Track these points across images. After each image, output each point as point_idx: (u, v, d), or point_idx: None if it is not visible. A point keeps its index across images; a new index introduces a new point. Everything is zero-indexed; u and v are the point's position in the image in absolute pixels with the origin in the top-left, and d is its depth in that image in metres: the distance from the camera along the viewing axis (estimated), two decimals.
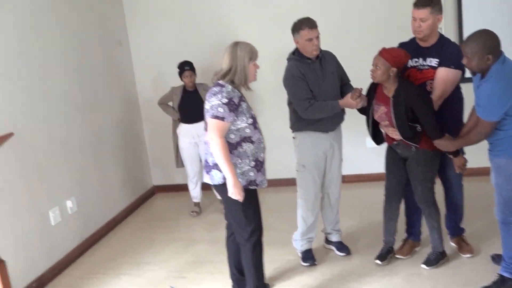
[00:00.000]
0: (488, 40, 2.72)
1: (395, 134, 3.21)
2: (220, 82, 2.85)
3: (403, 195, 3.45)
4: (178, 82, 4.81)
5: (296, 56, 3.41)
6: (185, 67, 4.65)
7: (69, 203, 4.10)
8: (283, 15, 4.99)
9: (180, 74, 4.69)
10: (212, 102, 2.78)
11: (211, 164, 2.89)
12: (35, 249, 3.66)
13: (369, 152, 5.19)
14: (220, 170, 2.83)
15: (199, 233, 4.50)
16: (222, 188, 2.87)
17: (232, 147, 2.83)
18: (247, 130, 2.85)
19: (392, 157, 3.40)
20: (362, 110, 3.40)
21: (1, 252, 3.34)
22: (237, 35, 5.14)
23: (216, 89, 2.82)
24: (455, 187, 3.50)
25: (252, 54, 2.88)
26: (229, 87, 2.81)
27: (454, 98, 3.31)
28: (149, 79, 5.54)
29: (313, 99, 3.34)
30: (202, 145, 4.65)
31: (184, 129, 4.73)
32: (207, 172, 2.94)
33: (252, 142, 2.87)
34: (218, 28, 5.24)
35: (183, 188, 5.27)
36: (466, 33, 4.70)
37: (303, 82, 3.33)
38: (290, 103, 3.50)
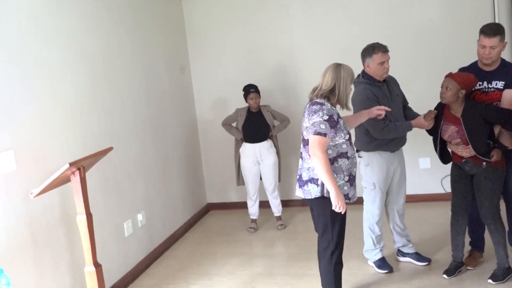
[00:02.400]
0: None
1: (466, 152, 3.35)
2: (318, 100, 2.99)
3: (469, 210, 3.55)
4: (236, 106, 5.10)
5: (367, 79, 3.58)
6: (251, 89, 4.92)
7: (139, 217, 4.32)
8: (338, 44, 5.27)
9: (245, 96, 4.95)
10: (314, 119, 2.92)
11: (305, 179, 3.03)
12: (111, 258, 3.87)
13: (422, 173, 5.33)
14: (317, 184, 2.96)
15: (259, 248, 4.64)
16: (317, 201, 3.00)
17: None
18: (344, 146, 3.00)
19: (458, 175, 3.53)
20: (429, 130, 3.58)
21: (82, 261, 3.54)
22: (296, 63, 5.43)
23: (316, 107, 2.95)
24: None
25: (353, 76, 3.07)
26: (329, 105, 2.96)
27: None
28: (206, 103, 5.84)
29: (387, 120, 3.51)
30: (264, 164, 4.89)
31: (246, 148, 4.95)
32: (300, 187, 3.08)
33: (347, 157, 3.01)
34: (277, 56, 5.50)
35: (236, 206, 5.48)
36: None
37: (377, 104, 3.49)
38: (360, 125, 3.65)
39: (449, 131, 3.42)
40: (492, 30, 3.31)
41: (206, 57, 5.76)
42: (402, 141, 3.73)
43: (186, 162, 5.52)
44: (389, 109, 3.37)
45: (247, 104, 5.02)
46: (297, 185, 3.15)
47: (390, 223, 3.91)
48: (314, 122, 2.93)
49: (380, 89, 3.58)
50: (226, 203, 5.95)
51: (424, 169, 5.33)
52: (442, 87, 3.37)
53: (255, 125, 4.91)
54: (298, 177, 3.15)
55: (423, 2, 5.17)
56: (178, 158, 5.31)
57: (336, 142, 2.99)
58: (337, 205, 2.92)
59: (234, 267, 4.21)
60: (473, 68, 3.51)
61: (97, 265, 2.89)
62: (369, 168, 3.70)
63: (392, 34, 5.23)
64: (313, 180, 3.01)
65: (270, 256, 4.39)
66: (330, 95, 3.01)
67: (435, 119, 3.49)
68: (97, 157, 3.01)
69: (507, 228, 3.63)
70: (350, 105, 3.10)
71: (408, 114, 3.76)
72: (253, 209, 5.12)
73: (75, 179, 2.82)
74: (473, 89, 3.44)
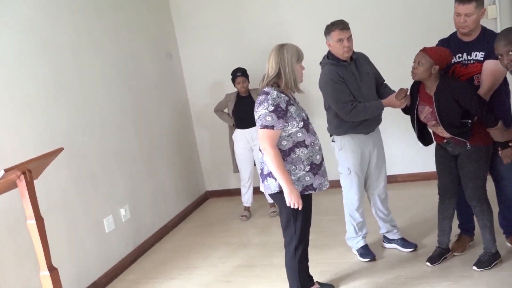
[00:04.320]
0: None
1: (445, 133, 3.11)
2: (266, 89, 2.80)
3: (456, 193, 3.32)
4: (229, 89, 4.95)
5: (331, 59, 3.38)
6: (238, 74, 4.76)
7: (122, 211, 4.28)
8: (328, 19, 4.97)
9: (233, 80, 4.81)
10: (260, 112, 2.76)
11: (265, 172, 2.88)
12: (90, 256, 3.85)
13: (422, 150, 4.99)
14: (275, 178, 2.80)
15: (248, 237, 4.54)
16: (278, 196, 2.86)
17: (285, 154, 2.80)
18: (299, 134, 2.81)
19: (442, 155, 3.29)
20: (405, 110, 3.34)
21: (57, 260, 3.53)
22: (285, 40, 5.17)
23: (261, 97, 2.78)
24: (507, 181, 3.31)
25: (299, 55, 2.83)
26: (274, 93, 2.76)
27: (502, 91, 3.19)
28: (199, 88, 5.69)
29: (355, 101, 3.30)
30: (257, 149, 4.72)
31: (238, 134, 4.83)
32: (262, 181, 2.94)
33: (305, 146, 2.83)
34: (266, 35, 5.28)
35: (236, 192, 5.36)
36: None
37: (343, 85, 3.29)
38: (329, 108, 3.47)
39: (424, 112, 3.17)
40: None
41: (195, 41, 5.59)
42: (376, 121, 3.50)
43: (179, 150, 5.43)
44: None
45: (235, 89, 4.87)
46: (260, 179, 3.00)
47: (373, 208, 3.71)
48: (260, 115, 2.76)
49: (346, 68, 3.35)
50: (226, 190, 5.84)
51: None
52: (414, 61, 3.08)
53: (245, 110, 4.68)
54: (260, 171, 3.00)
55: None
56: (168, 146, 5.22)
57: (290, 132, 2.80)
58: (291, 202, 2.75)
59: (218, 259, 4.13)
60: (452, 39, 3.24)
61: (52, 269, 2.83)
62: (342, 153, 3.50)
63: (383, 6, 4.96)
64: (271, 174, 2.84)
65: (256, 246, 4.28)
66: (279, 80, 2.81)
67: (412, 98, 3.24)
68: (46, 159, 2.94)
69: (496, 210, 3.37)
70: (300, 87, 2.88)
71: (383, 92, 3.51)
72: (246, 197, 5.00)
73: (21, 184, 2.75)
74: (452, 62, 3.16)
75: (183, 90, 5.71)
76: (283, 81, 2.79)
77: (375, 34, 5.01)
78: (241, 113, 4.76)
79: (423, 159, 5.04)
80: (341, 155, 3.52)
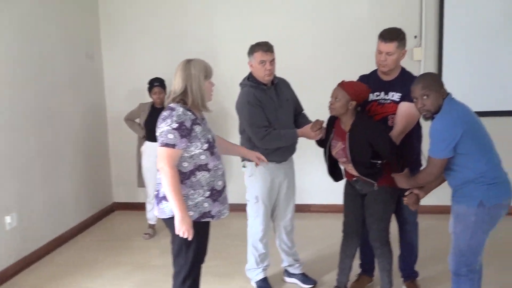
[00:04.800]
0: (437, 76, 2.73)
1: (354, 171, 3.03)
2: (171, 105, 2.59)
3: (360, 232, 3.24)
4: (149, 98, 4.68)
5: (251, 81, 3.22)
6: (155, 83, 4.52)
7: (7, 219, 3.86)
8: (260, 37, 4.86)
9: (150, 90, 4.57)
10: (162, 128, 2.53)
11: (161, 195, 2.62)
12: None
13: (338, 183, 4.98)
14: None
15: (147, 258, 4.23)
16: (171, 222, 2.60)
17: (184, 177, 2.58)
18: (202, 157, 2.60)
19: (350, 193, 3.22)
20: (319, 142, 3.23)
21: None
22: (216, 54, 5.02)
23: (165, 113, 2.55)
24: (410, 226, 3.32)
25: (207, 71, 2.63)
26: (180, 110, 2.54)
27: (414, 135, 3.15)
28: (120, 94, 5.39)
29: (270, 128, 3.15)
30: None
31: (148, 147, 4.54)
32: (157, 204, 2.69)
33: (208, 170, 2.61)
34: (197, 47, 5.06)
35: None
36: (446, 66, 4.65)
37: (260, 109, 3.15)
38: (243, 131, 3.31)
39: (337, 147, 3.06)
40: (390, 34, 2.99)
41: (122, 45, 5.32)
42: (289, 150, 3.37)
43: (88, 156, 5.08)
44: (266, 163, 3.06)
45: (151, 99, 4.62)
46: (155, 201, 2.74)
47: (277, 239, 3.56)
48: (162, 131, 2.53)
49: (265, 92, 3.21)
50: (135, 203, 5.52)
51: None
52: (331, 96, 2.98)
53: None
54: (156, 192, 2.75)
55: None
56: (75, 152, 4.87)
57: (192, 153, 2.58)
58: (180, 229, 2.53)
59: (109, 280, 3.80)
60: (372, 76, 3.18)
61: None
62: (252, 180, 3.34)
63: (319, 29, 4.94)
64: (166, 197, 2.60)
65: (155, 268, 3.99)
66: (185, 97, 2.61)
67: (327, 132, 3.14)
68: None
69: (397, 253, 3.33)
70: (208, 106, 2.68)
71: (301, 122, 3.39)
72: (151, 214, 4.71)
73: None
74: (370, 99, 3.10)
75: (101, 94, 5.37)
76: (190, 99, 2.60)
77: (302, 60, 4.96)
78: (153, 125, 4.43)
79: (339, 191, 4.97)
80: (250, 182, 3.36)
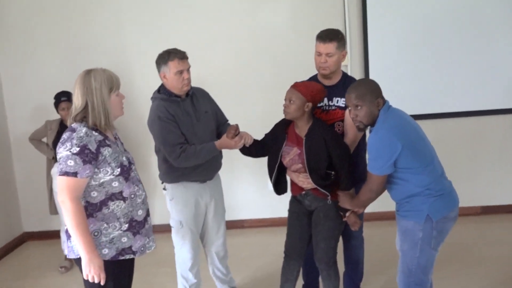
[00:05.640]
0: (374, 85, 2.47)
1: (306, 182, 2.76)
2: (73, 125, 2.22)
3: (304, 254, 2.96)
4: (56, 116, 4.18)
5: (163, 94, 2.87)
6: (62, 98, 4.04)
7: None
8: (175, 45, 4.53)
9: (56, 106, 4.08)
10: (60, 154, 2.15)
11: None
12: None
13: (272, 194, 4.70)
14: None
15: None
16: (81, 262, 2.20)
17: (94, 209, 2.21)
18: (115, 184, 2.23)
19: (296, 211, 2.94)
20: (246, 151, 2.93)
21: None
22: (126, 66, 4.59)
23: (65, 135, 2.18)
24: (356, 240, 3.14)
25: (113, 82, 2.27)
26: (83, 130, 2.17)
27: (361, 145, 2.97)
28: (23, 114, 4.80)
29: (186, 144, 2.81)
30: None
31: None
32: (66, 241, 2.28)
33: (123, 198, 2.26)
34: (106, 58, 4.61)
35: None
36: (372, 72, 4.55)
37: (173, 125, 2.82)
38: (158, 151, 2.98)
39: (291, 153, 2.80)
40: (328, 34, 2.84)
41: (21, 60, 4.74)
42: (213, 167, 3.05)
43: None
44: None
45: (59, 116, 4.13)
46: (64, 238, 2.34)
47: (210, 266, 3.25)
48: (61, 158, 2.15)
49: (179, 105, 2.88)
50: (49, 231, 4.93)
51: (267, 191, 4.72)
52: (285, 99, 2.75)
53: None
54: (65, 227, 2.31)
55: (272, 3, 4.60)
56: None
57: (102, 180, 2.21)
58: (89, 274, 2.15)
59: None
60: (313, 81, 2.96)
61: None
62: (173, 204, 3.00)
63: (238, 36, 4.64)
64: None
65: None
66: (87, 115, 2.23)
67: (276, 138, 2.84)
68: None
69: (342, 270, 3.11)
70: (113, 123, 2.30)
71: (224, 132, 3.05)
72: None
73: None
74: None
75: (1, 116, 4.75)
76: (90, 116, 2.21)
77: (221, 69, 4.66)
78: None
79: (272, 204, 4.75)
80: (172, 207, 3.02)
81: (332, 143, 2.71)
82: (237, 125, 2.83)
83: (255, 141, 2.92)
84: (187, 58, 2.86)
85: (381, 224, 4.21)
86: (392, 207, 2.61)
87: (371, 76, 4.56)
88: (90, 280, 2.16)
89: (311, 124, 2.76)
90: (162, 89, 2.91)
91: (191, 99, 2.94)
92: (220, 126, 3.12)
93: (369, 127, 2.49)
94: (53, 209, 4.22)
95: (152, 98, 2.95)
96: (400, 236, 2.52)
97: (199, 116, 2.93)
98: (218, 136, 3.03)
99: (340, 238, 3.02)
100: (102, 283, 2.17)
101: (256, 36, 4.63)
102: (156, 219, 4.50)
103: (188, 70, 2.85)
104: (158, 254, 4.02)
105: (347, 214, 2.73)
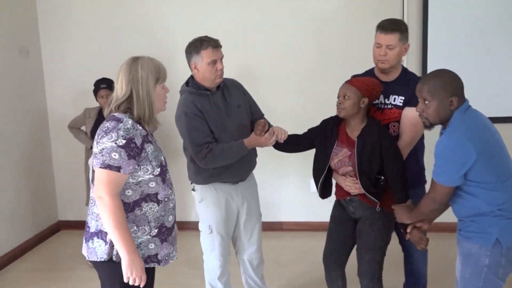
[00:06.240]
0: (452, 80, 2.12)
1: (354, 187, 2.55)
2: (116, 114, 2.03)
3: (344, 264, 2.70)
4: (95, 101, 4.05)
5: (192, 87, 2.64)
6: (101, 85, 3.91)
7: None
8: (220, 34, 4.28)
9: (95, 93, 3.98)
10: (103, 145, 1.96)
11: (93, 229, 2.07)
12: None
13: (314, 196, 4.41)
14: (105, 241, 2.02)
15: None
16: (104, 266, 2.06)
17: (126, 209, 2.03)
18: (152, 184, 2.06)
19: (339, 216, 2.72)
20: (280, 147, 2.72)
21: None
22: (172, 50, 4.36)
23: (109, 124, 1.99)
24: (417, 253, 2.87)
25: (160, 72, 2.10)
26: (129, 122, 2.00)
27: (418, 146, 2.71)
28: (63, 95, 4.69)
29: (213, 143, 2.59)
30: None
31: None
32: (86, 241, 2.10)
33: (157, 201, 2.08)
34: (150, 40, 4.43)
35: None
36: (431, 69, 4.13)
37: (201, 121, 2.59)
38: (186, 149, 2.75)
39: (341, 154, 2.58)
40: (391, 24, 2.58)
41: (63, 39, 4.61)
42: (247, 166, 2.81)
43: (27, 168, 4.41)
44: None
45: (98, 104, 4.02)
46: (84, 237, 2.15)
47: (243, 276, 2.99)
48: (104, 149, 1.96)
49: (208, 99, 2.65)
50: (84, 222, 4.78)
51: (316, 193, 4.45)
52: (338, 96, 2.55)
53: None
54: (86, 227, 2.15)
55: None
56: (11, 162, 4.19)
57: (140, 179, 2.03)
58: (130, 277, 1.98)
59: None
60: (368, 76, 2.70)
61: None
62: (202, 206, 2.78)
63: (286, 25, 4.32)
64: (101, 234, 2.04)
65: None
66: (131, 106, 2.04)
67: (325, 137, 2.62)
68: None
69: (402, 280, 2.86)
70: (157, 118, 2.11)
71: None
72: None
73: None
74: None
75: (41, 95, 4.67)
76: (135, 108, 2.04)
77: (266, 54, 4.36)
78: None
79: (314, 207, 4.45)
80: (201, 209, 2.81)
81: (387, 146, 2.48)
82: (264, 121, 2.63)
83: (291, 136, 2.70)
84: (220, 46, 2.64)
85: (439, 236, 3.78)
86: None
87: (429, 68, 4.15)
88: (131, 283, 1.98)
89: (366, 123, 2.54)
90: (191, 81, 2.69)
91: (222, 92, 2.71)
92: (255, 121, 2.85)
93: (440, 130, 2.20)
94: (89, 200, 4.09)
95: (180, 91, 2.74)
96: (462, 260, 2.18)
97: (230, 110, 2.70)
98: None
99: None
100: (141, 285, 2.01)
101: (302, 22, 4.31)
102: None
103: (221, 60, 2.63)
104: (192, 252, 3.82)
105: (408, 230, 2.43)
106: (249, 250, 2.90)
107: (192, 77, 2.69)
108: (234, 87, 2.78)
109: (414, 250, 2.83)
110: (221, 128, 2.63)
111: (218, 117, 2.63)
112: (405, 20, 4.14)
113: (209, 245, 2.80)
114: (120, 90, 2.05)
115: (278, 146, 2.69)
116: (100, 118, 3.94)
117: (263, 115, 2.92)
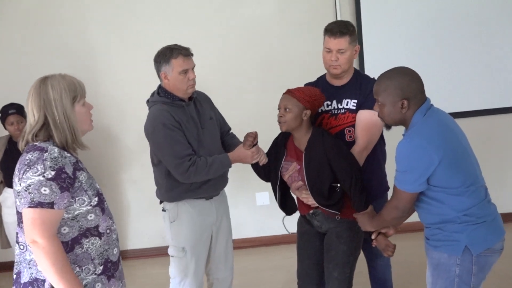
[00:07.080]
0: (404, 81, 1.99)
1: (311, 199, 2.43)
2: (38, 144, 1.78)
3: (320, 282, 2.56)
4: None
5: (164, 97, 2.49)
6: (9, 111, 3.58)
7: None
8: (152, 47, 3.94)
9: (3, 120, 3.65)
10: (29, 180, 1.71)
11: (26, 279, 1.78)
12: None
13: (260, 210, 4.33)
14: None
15: None
16: None
17: (65, 248, 1.78)
18: (91, 217, 1.84)
19: (305, 232, 2.58)
20: (257, 168, 2.60)
21: None
22: (95, 68, 4.08)
23: (31, 156, 1.74)
24: (380, 259, 2.81)
25: (76, 90, 1.85)
26: (55, 150, 1.76)
27: (379, 150, 2.65)
28: None
29: (194, 156, 2.46)
30: None
31: (9, 196, 3.60)
32: None
33: (99, 234, 1.86)
34: (69, 62, 4.04)
35: (6, 267, 3.92)
36: (368, 71, 4.06)
37: (179, 133, 2.44)
38: (158, 163, 2.54)
39: (290, 169, 2.46)
40: (339, 28, 2.49)
41: None
42: (221, 181, 2.67)
43: None
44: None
45: (7, 132, 3.72)
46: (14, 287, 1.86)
47: None
48: (30, 185, 1.70)
49: (184, 110, 2.51)
50: (2, 263, 4.24)
51: (262, 206, 4.30)
52: (279, 108, 2.42)
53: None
54: (14, 275, 1.84)
55: None
56: None
57: (77, 212, 1.80)
58: None
59: None
60: (320, 82, 2.67)
61: None
62: (175, 226, 2.56)
63: (218, 33, 4.14)
64: (37, 283, 1.76)
65: None
66: (50, 132, 1.80)
67: (277, 153, 2.50)
68: None
69: None
70: (83, 141, 1.87)
71: (231, 143, 2.72)
72: None
73: None
74: (320, 110, 2.55)
75: None
76: (55, 135, 1.80)
77: (207, 67, 4.09)
78: (13, 165, 3.40)
79: (260, 221, 4.24)
80: (173, 230, 2.57)
81: (332, 155, 2.35)
82: (255, 132, 2.52)
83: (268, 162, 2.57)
84: (192, 55, 2.51)
85: (408, 236, 3.67)
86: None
87: (366, 67, 4.10)
88: None
89: (311, 134, 2.42)
90: (161, 91, 2.51)
91: (194, 104, 2.58)
92: (223, 135, 2.76)
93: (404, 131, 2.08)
94: (5, 243, 3.74)
95: (149, 101, 2.55)
96: (432, 271, 2.07)
97: (204, 122, 2.58)
98: (223, 147, 2.70)
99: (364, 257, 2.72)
100: None
101: (239, 31, 4.14)
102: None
103: (193, 69, 2.50)
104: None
105: (373, 237, 2.31)
106: (225, 267, 2.73)
107: (161, 87, 2.53)
108: (204, 99, 2.67)
109: (377, 256, 2.77)
110: (197, 141, 2.50)
111: (194, 129, 2.50)
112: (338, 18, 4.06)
113: (182, 271, 2.56)
114: (32, 118, 1.81)
115: (256, 166, 2.57)
116: (11, 148, 3.63)
117: (230, 129, 2.83)
